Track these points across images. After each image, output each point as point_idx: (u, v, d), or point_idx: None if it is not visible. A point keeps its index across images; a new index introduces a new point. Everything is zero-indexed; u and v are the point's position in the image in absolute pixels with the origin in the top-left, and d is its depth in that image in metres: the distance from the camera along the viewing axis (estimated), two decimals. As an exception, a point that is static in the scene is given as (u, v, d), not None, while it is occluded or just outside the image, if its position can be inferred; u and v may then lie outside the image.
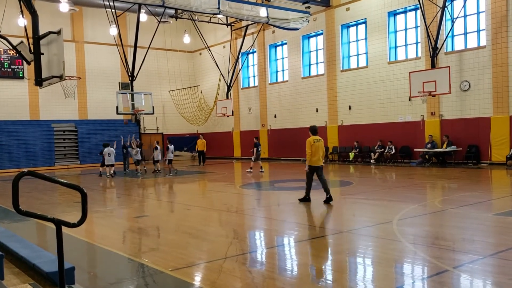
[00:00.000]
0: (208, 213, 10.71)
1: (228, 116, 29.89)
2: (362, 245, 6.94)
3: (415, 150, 21.51)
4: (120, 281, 5.57)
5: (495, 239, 6.97)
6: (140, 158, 21.95)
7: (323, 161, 11.14)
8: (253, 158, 20.55)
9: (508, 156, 18.33)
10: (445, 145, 19.97)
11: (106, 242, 7.69)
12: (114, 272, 6.04)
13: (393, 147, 22.21)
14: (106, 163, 21.31)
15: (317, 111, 26.32)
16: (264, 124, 29.76)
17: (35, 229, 9.23)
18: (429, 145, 20.47)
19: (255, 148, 20.39)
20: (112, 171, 21.34)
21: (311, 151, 10.77)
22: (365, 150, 23.74)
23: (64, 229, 4.06)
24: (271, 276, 5.49)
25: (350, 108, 24.57)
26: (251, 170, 20.28)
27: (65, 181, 4.24)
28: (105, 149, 21.50)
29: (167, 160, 21.55)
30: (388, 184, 15.26)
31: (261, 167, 20.60)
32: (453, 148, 19.74)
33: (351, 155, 23.86)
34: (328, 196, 10.86)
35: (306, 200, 11.19)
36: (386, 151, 22.41)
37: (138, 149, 22.33)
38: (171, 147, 21.53)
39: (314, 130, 11.27)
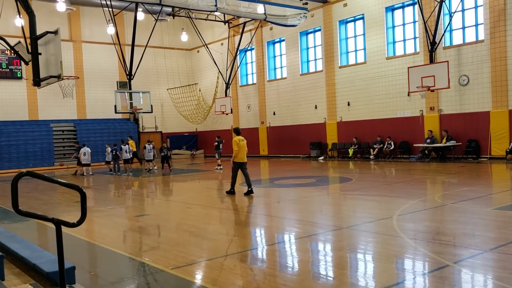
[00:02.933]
0: (208, 211, 10.71)
1: (227, 114, 29.89)
2: (363, 241, 6.94)
3: (414, 145, 21.51)
4: (120, 280, 5.57)
5: (496, 234, 6.97)
6: (129, 157, 21.99)
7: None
8: (216, 155, 22.32)
9: (508, 150, 18.32)
10: (444, 140, 19.97)
11: (107, 241, 7.68)
12: (114, 271, 6.04)
13: (392, 143, 22.21)
14: (82, 163, 21.93)
15: (316, 107, 26.32)
16: (263, 122, 29.75)
17: (35, 229, 9.23)
18: (428, 140, 20.47)
19: (216, 145, 22.24)
20: (90, 171, 22.12)
21: (237, 149, 12.12)
22: (364, 146, 23.73)
23: (64, 229, 4.06)
24: (272, 273, 5.49)
25: (349, 104, 24.56)
26: (220, 167, 21.65)
27: (64, 181, 4.23)
28: (82, 149, 22.01)
29: (123, 160, 21.76)
30: (387, 179, 15.26)
31: (219, 165, 21.85)
32: (452, 143, 19.75)
33: (350, 151, 23.85)
34: (249, 189, 12.05)
35: (231, 193, 12.28)
36: (385, 146, 22.41)
37: (130, 148, 22.52)
38: (125, 147, 21.66)
39: (237, 131, 12.73)
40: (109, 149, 22.37)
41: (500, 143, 18.92)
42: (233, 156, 12.28)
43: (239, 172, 12.28)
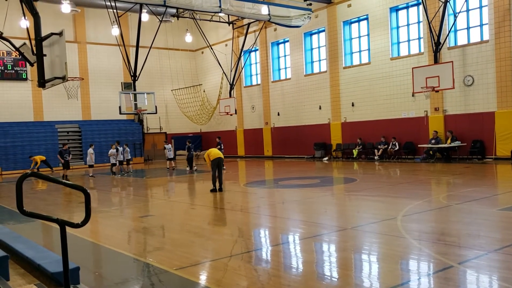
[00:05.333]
0: (213, 211, 10.72)
1: (231, 115, 29.90)
2: (367, 242, 6.92)
3: (419, 146, 21.44)
4: (125, 280, 5.58)
5: (500, 234, 6.94)
6: (122, 158, 22.05)
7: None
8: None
9: (513, 150, 18.23)
10: (449, 141, 19.89)
11: (111, 242, 7.70)
12: (119, 272, 6.05)
13: (396, 143, 22.14)
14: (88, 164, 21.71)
15: (320, 108, 26.29)
16: (268, 122, 29.74)
17: (40, 230, 9.26)
18: (433, 141, 20.40)
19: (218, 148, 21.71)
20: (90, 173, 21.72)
21: (209, 153, 13.29)
22: (368, 146, 23.68)
23: (69, 230, 4.07)
24: (277, 274, 5.49)
25: (353, 104, 24.52)
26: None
27: (68, 181, 4.25)
28: (89, 149, 21.72)
29: (117, 162, 21.92)
30: (392, 180, 15.22)
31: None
32: (457, 143, 19.66)
33: (355, 152, 23.81)
34: (214, 188, 13.12)
35: (215, 190, 13.07)
36: (389, 147, 22.35)
37: (128, 149, 22.61)
38: (121, 148, 21.84)
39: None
40: (114, 150, 22.24)
41: (505, 144, 18.83)
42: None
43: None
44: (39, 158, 25.01)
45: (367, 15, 23.66)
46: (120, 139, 28.76)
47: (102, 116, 30.83)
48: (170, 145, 23.82)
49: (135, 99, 26.79)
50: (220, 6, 21.91)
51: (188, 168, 21.84)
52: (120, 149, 21.85)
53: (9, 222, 9.91)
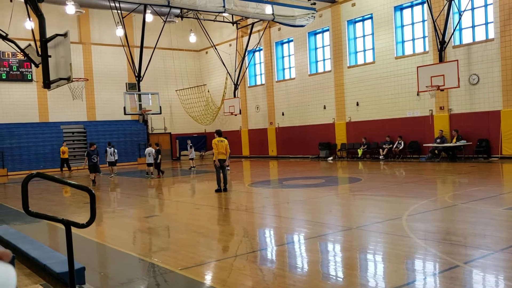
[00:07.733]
0: (217, 212, 10.73)
1: (235, 115, 29.93)
2: (372, 242, 6.91)
3: (424, 145, 21.36)
4: (130, 281, 5.59)
5: (507, 234, 6.90)
6: (113, 160, 22.00)
7: (227, 157, 13.61)
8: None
9: (519, 149, 18.13)
10: (454, 140, 19.81)
11: (116, 242, 7.72)
12: (124, 272, 6.06)
13: (402, 142, 22.07)
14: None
15: (324, 108, 26.26)
16: (272, 122, 29.73)
17: (45, 230, 9.30)
18: (438, 140, 20.32)
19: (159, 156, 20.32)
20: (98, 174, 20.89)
21: (216, 149, 13.14)
22: (373, 146, 23.62)
23: (75, 230, 4.09)
24: (282, 274, 5.49)
25: (357, 104, 24.47)
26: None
27: (73, 182, 4.26)
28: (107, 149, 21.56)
29: (107, 163, 21.82)
30: (397, 180, 15.18)
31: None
32: (462, 142, 19.57)
33: (360, 151, 23.75)
34: (219, 188, 13.23)
35: (219, 190, 13.16)
36: (395, 146, 22.29)
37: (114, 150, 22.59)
38: (111, 149, 21.73)
39: (218, 132, 13.62)
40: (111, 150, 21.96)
41: (511, 143, 18.73)
42: (214, 155, 13.37)
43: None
44: (63, 152, 25.54)
45: (371, 14, 23.61)
46: (125, 139, 28.93)
47: (107, 117, 30.93)
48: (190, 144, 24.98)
49: (140, 100, 26.88)
50: (224, 6, 21.92)
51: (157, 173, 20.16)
52: (110, 150, 21.84)
53: (15, 223, 9.96)
